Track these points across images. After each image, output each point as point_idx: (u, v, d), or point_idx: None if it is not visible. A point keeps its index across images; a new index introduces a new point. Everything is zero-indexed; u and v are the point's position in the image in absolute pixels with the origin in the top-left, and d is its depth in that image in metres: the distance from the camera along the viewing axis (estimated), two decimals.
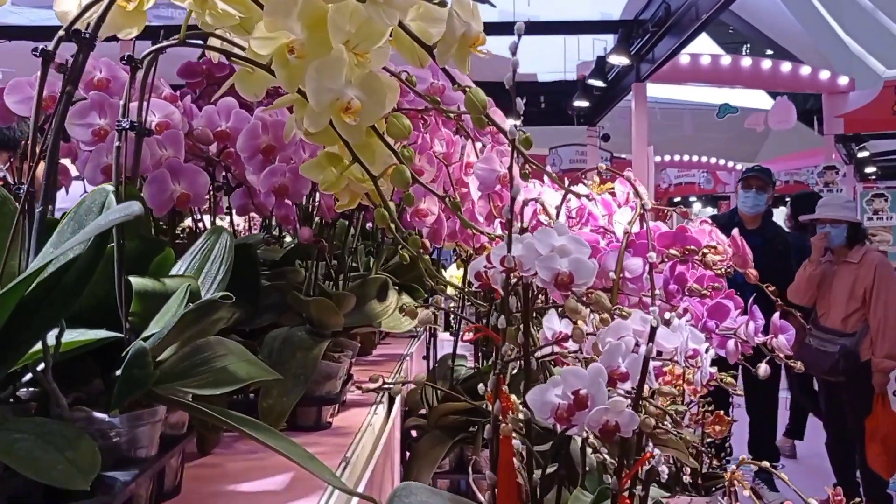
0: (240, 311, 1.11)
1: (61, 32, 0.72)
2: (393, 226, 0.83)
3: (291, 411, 1.03)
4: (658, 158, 13.73)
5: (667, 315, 0.71)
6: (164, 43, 0.75)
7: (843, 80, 7.63)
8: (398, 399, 1.29)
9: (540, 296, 0.83)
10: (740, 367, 1.35)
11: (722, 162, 14.02)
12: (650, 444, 0.88)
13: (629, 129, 5.50)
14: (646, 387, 0.66)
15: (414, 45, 0.72)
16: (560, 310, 0.74)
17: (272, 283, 1.11)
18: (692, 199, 15.74)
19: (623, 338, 0.68)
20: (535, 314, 0.72)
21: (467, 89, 0.69)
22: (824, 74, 7.36)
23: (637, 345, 0.67)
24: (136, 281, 0.70)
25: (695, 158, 13.83)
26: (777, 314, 0.97)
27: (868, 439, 3.70)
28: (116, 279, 0.69)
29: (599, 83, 5.39)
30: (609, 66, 5.26)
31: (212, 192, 1.14)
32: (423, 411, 1.49)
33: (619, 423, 0.60)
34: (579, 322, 0.68)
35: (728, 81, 6.65)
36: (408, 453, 1.43)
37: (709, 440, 2.12)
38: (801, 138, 10.31)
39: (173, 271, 0.84)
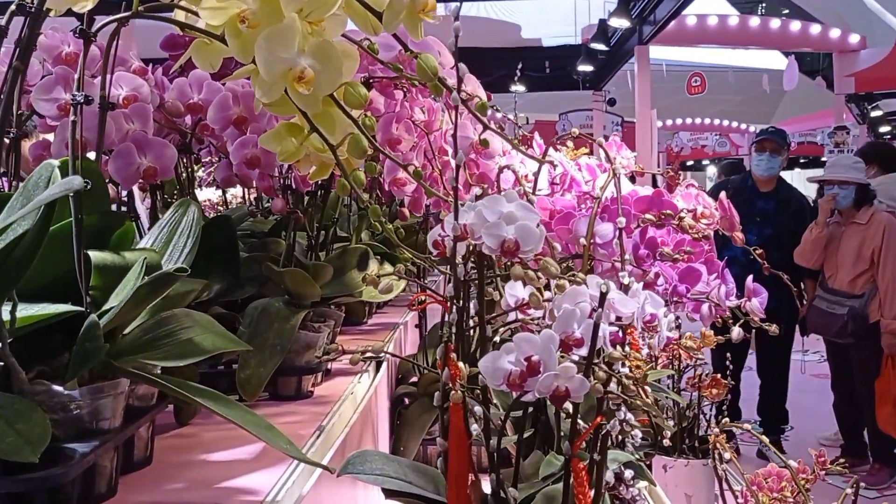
0: (220, 283, 1.11)
1: (13, 7, 0.72)
2: (366, 196, 0.83)
3: (272, 381, 1.04)
4: (670, 121, 13.60)
5: (625, 280, 0.70)
6: (121, 15, 0.75)
7: (854, 38, 7.49)
8: (384, 367, 1.30)
9: (500, 263, 0.83)
10: (753, 329, 1.36)
11: (735, 124, 13.85)
12: (622, 408, 0.88)
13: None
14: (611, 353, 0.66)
15: (367, 13, 0.71)
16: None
17: (253, 255, 1.12)
18: (705, 162, 15.61)
19: (579, 304, 0.68)
20: (491, 281, 0.72)
21: (418, 55, 0.68)
22: (834, 33, 7.21)
23: (594, 310, 0.67)
24: (94, 255, 0.70)
25: (707, 121, 13.68)
26: (750, 278, 0.96)
27: (879, 401, 3.69)
28: (76, 254, 0.69)
29: (602, 47, 5.32)
30: (612, 30, 5.18)
31: (189, 165, 1.14)
32: (414, 379, 1.50)
33: (569, 388, 0.60)
34: (538, 288, 0.68)
35: (737, 42, 6.53)
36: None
37: (709, 402, 2.12)
38: (818, 98, 10.17)
39: (141, 244, 0.85)
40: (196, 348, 0.75)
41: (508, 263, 0.64)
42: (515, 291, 0.75)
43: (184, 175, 1.13)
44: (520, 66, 2.39)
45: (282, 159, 0.75)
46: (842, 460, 1.35)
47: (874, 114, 8.23)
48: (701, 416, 2.00)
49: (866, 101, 7.99)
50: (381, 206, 1.75)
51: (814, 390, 5.11)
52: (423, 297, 0.73)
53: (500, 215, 0.61)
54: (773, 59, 10.79)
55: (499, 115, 1.98)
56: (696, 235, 1.03)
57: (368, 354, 0.73)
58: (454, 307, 0.63)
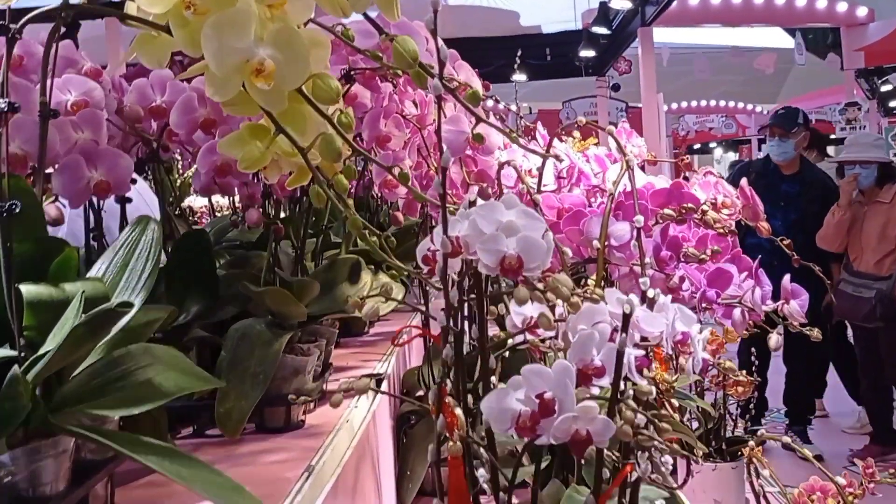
0: (198, 304, 1.01)
1: None
2: (345, 205, 0.72)
3: (258, 411, 0.94)
4: (675, 105, 13.41)
5: (650, 293, 0.60)
6: (47, 7, 0.64)
7: (862, 12, 7.30)
8: (385, 385, 1.19)
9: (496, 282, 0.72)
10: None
11: (741, 105, 13.64)
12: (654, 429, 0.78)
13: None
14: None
15: None
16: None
17: (231, 272, 1.01)
18: (712, 144, 15.40)
19: (597, 324, 0.57)
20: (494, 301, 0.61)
21: (394, 38, 0.57)
22: (841, 6, 7.02)
23: (615, 331, 0.57)
24: (27, 289, 0.60)
25: (713, 103, 13.48)
26: (787, 278, 0.85)
27: None
28: (5, 288, 0.59)
29: (604, 30, 5.17)
30: (613, 12, 5.04)
31: (161, 175, 1.04)
32: (420, 393, 1.40)
33: (591, 431, 0.50)
34: (551, 304, 0.58)
35: (741, 21, 6.35)
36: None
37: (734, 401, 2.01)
38: (824, 75, 9.99)
39: (93, 271, 0.74)
40: (155, 391, 0.65)
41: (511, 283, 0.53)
42: (522, 309, 0.64)
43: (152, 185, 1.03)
44: (519, 53, 2.28)
45: (244, 167, 0.65)
46: (892, 471, 1.24)
47: (884, 88, 8.05)
48: (727, 416, 1.90)
49: (876, 76, 7.82)
50: (374, 208, 1.64)
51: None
52: (409, 330, 0.63)
53: (498, 225, 0.50)
54: (778, 38, 10.61)
55: (500, 105, 1.87)
56: (721, 230, 0.92)
57: (362, 384, 0.62)
58: (448, 340, 0.52)
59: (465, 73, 0.95)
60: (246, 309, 1.02)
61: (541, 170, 1.01)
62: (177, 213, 1.52)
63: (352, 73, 0.93)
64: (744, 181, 1.29)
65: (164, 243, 1.13)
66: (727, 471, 1.78)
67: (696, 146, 15.55)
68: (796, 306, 0.80)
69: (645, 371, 0.76)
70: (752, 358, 2.22)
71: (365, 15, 0.60)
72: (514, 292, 0.50)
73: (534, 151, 0.78)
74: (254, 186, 1.05)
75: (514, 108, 1.95)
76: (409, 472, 1.22)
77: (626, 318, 0.50)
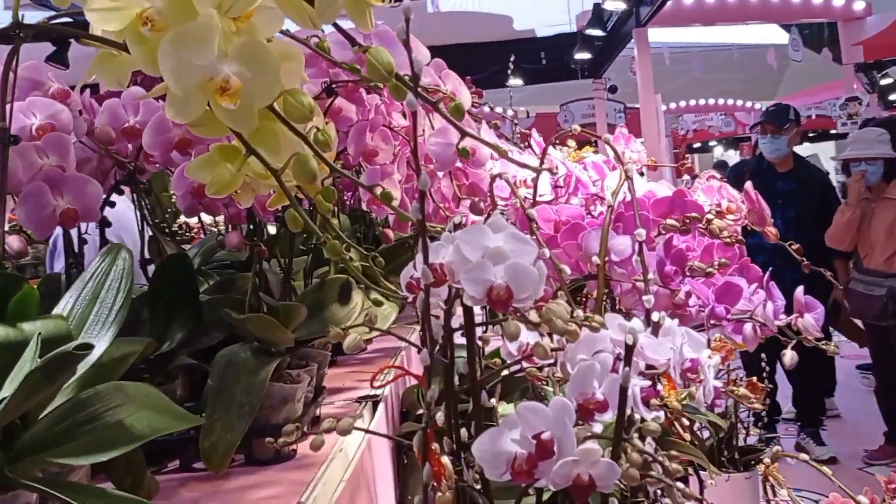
0: (183, 331, 0.97)
1: None
2: (324, 228, 0.68)
3: (247, 442, 0.89)
4: (673, 105, 13.36)
5: (655, 316, 0.55)
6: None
7: (860, 6, 7.25)
8: (382, 407, 1.15)
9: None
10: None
11: (740, 103, 13.59)
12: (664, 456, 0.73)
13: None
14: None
15: (301, 3, 0.56)
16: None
17: (215, 297, 0.97)
18: (712, 143, 15.33)
19: (598, 353, 0.53)
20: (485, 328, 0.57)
21: (367, 50, 0.53)
22: (838, 1, 6.98)
23: (618, 359, 0.52)
24: None
25: (711, 101, 13.42)
26: (800, 290, 0.80)
27: None
28: None
29: (598, 32, 5.13)
30: (607, 14, 5.00)
31: (139, 195, 1.00)
32: (421, 412, 1.35)
33: (593, 476, 0.45)
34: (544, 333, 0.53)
35: (737, 18, 6.31)
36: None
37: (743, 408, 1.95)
38: (823, 70, 9.94)
39: (62, 303, 0.70)
40: (126, 434, 0.60)
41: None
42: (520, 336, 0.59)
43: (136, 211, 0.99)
44: (512, 58, 2.23)
45: (213, 192, 0.60)
46: None
47: (884, 82, 8.00)
48: (739, 425, 1.84)
49: (875, 70, 7.77)
50: (369, 221, 1.60)
51: (853, 375, 4.93)
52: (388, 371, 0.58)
53: (484, 252, 0.45)
54: (775, 34, 10.57)
55: (497, 109, 1.83)
56: (728, 240, 0.87)
57: (345, 424, 0.57)
58: (433, 380, 0.48)
59: (453, 83, 0.90)
60: (233, 334, 0.98)
61: (535, 181, 0.97)
62: (173, 230, 1.48)
63: (333, 86, 0.88)
64: (748, 185, 1.25)
65: (150, 265, 1.09)
66: (741, 481, 1.72)
67: (696, 145, 15.52)
68: (811, 320, 0.76)
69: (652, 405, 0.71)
70: (762, 363, 2.17)
71: (336, 25, 0.56)
72: (504, 326, 0.45)
73: (524, 165, 0.74)
74: (238, 206, 1.00)
75: (510, 113, 1.91)
76: (412, 497, 1.17)
77: (629, 349, 0.46)
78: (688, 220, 0.85)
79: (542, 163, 0.96)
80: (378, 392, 1.25)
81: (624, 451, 0.46)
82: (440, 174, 0.96)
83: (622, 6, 4.52)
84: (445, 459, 0.46)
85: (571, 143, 0.95)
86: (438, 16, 5.81)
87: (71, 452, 0.57)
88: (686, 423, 0.86)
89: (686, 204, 0.86)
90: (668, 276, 0.73)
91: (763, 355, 2.16)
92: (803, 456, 1.06)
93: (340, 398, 1.22)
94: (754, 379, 1.81)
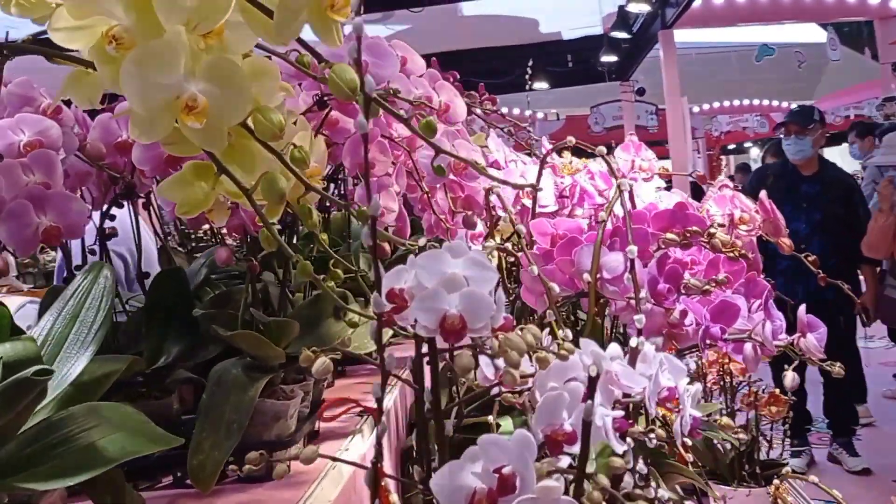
0: (180, 345, 0.97)
1: None
2: (324, 247, 0.67)
3: (239, 459, 0.88)
4: (707, 105, 13.16)
5: (633, 341, 0.53)
6: None
7: None
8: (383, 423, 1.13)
9: None
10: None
11: (776, 103, 13.35)
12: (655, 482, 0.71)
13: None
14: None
15: (269, 20, 0.54)
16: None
17: (211, 312, 0.96)
18: (747, 144, 15.09)
19: (569, 382, 0.50)
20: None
21: (332, 65, 0.51)
22: None
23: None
24: None
25: (745, 102, 13.20)
26: (803, 308, 0.77)
27: None
28: None
29: (624, 35, 5.06)
30: (633, 16, 4.93)
31: (135, 210, 1.00)
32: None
33: None
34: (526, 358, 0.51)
35: (769, 18, 6.18)
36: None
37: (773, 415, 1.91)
38: (862, 69, 9.73)
39: (42, 322, 0.70)
40: (97, 457, 0.60)
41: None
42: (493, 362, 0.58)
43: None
44: (530, 63, 2.19)
45: (183, 212, 0.59)
46: None
47: None
48: (760, 438, 1.80)
49: None
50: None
51: (890, 383, 4.80)
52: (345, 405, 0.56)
53: (441, 277, 0.44)
54: (812, 33, 10.37)
55: (527, 113, 1.80)
56: (731, 255, 0.84)
57: (308, 452, 0.56)
58: (381, 419, 0.46)
59: (447, 94, 0.89)
60: (231, 347, 0.97)
61: (533, 193, 0.95)
62: (199, 237, 1.48)
63: (325, 98, 0.87)
64: (763, 194, 1.22)
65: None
66: (762, 496, 1.69)
67: (731, 146, 15.29)
68: (814, 340, 0.72)
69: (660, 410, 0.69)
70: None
71: (300, 40, 0.54)
72: (456, 359, 0.43)
73: (505, 182, 0.71)
74: (240, 218, 1.00)
75: (540, 115, 1.88)
76: None
77: (592, 381, 0.44)
78: (689, 234, 0.82)
79: (540, 173, 0.94)
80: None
81: (583, 492, 0.44)
82: (437, 186, 0.94)
83: (646, 8, 4.45)
84: (394, 497, 0.44)
85: (567, 154, 0.92)
86: (466, 20, 5.78)
87: (39, 477, 0.57)
88: (689, 441, 0.83)
89: (687, 217, 0.84)
90: (661, 295, 0.71)
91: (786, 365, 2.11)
92: (812, 478, 1.03)
93: (343, 412, 1.21)
94: (777, 391, 1.76)
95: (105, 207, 0.97)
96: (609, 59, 5.52)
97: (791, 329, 0.84)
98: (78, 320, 0.68)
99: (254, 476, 0.90)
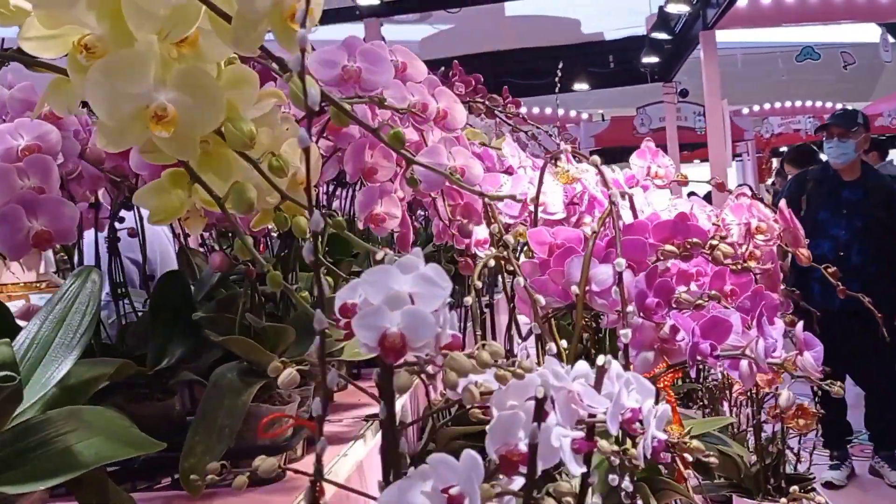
0: (182, 347, 0.97)
1: None
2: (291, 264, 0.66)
3: (233, 463, 0.89)
4: (757, 107, 12.90)
5: (600, 359, 0.51)
6: None
7: None
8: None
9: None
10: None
11: (829, 105, 13.01)
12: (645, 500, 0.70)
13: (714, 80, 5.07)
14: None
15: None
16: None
17: (213, 315, 0.97)
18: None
19: (529, 401, 0.49)
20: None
21: (291, 75, 0.51)
22: None
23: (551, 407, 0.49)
24: None
25: (797, 104, 12.89)
26: (801, 325, 0.74)
27: None
28: None
29: (664, 36, 4.97)
30: (674, 17, 4.85)
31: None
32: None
33: None
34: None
35: (819, 19, 6.01)
36: None
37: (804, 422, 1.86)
38: None
39: (29, 326, 0.71)
40: (72, 461, 0.60)
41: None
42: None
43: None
44: (560, 66, 2.15)
45: (155, 220, 0.60)
46: None
47: None
48: (787, 451, 1.75)
49: None
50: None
51: None
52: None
53: (388, 294, 0.43)
54: (868, 32, 10.09)
55: (571, 113, 1.79)
56: (734, 267, 0.82)
57: (268, 465, 0.55)
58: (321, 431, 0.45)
59: (446, 101, 0.88)
60: (231, 352, 0.98)
61: (535, 200, 0.93)
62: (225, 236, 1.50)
63: (322, 105, 0.87)
64: (782, 203, 1.18)
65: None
66: None
67: (782, 148, 14.89)
68: (810, 359, 0.70)
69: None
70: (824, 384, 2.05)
71: (263, 48, 0.53)
72: (395, 379, 0.43)
73: (480, 194, 0.70)
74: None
75: (584, 115, 1.86)
76: None
77: (539, 404, 0.42)
78: (689, 246, 0.80)
79: (541, 179, 0.93)
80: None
81: None
82: (434, 194, 0.93)
83: (685, 9, 4.37)
84: None
85: (563, 163, 0.90)
86: (509, 20, 5.77)
87: (13, 479, 0.58)
88: (689, 459, 0.81)
89: (689, 229, 0.81)
90: (650, 309, 0.69)
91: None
92: (819, 499, 0.99)
93: (350, 415, 1.21)
94: (805, 403, 1.72)
95: (111, 210, 0.99)
96: (650, 59, 5.43)
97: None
98: (64, 324, 0.69)
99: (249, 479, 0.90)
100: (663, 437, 0.49)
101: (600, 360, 0.52)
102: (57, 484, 0.61)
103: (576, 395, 0.50)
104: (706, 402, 1.96)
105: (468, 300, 0.76)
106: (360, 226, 0.96)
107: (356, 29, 4.69)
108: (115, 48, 0.54)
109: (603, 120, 11.66)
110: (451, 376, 0.41)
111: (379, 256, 0.49)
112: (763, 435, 1.73)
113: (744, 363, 0.72)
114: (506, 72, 5.49)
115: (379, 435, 1.13)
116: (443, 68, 1.64)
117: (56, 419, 0.63)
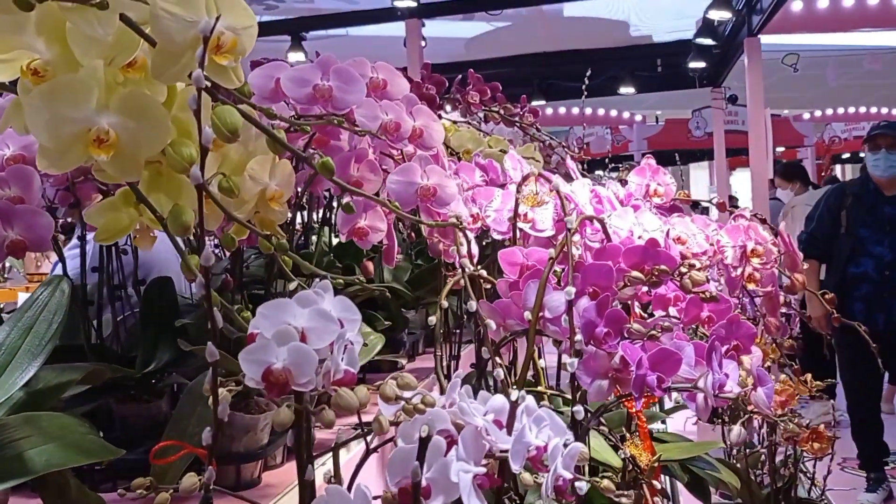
0: (169, 353, 1.00)
1: None
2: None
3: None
4: (819, 112, 12.53)
5: (513, 394, 0.51)
6: None
7: None
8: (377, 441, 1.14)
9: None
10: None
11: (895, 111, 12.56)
12: None
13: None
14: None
15: None
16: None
17: (188, 323, 0.99)
18: (862, 154, 14.25)
19: (439, 433, 0.50)
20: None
21: (221, 105, 0.52)
22: None
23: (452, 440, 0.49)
24: None
25: (862, 110, 12.48)
26: (757, 362, 0.73)
27: None
28: None
29: (709, 41, 4.86)
30: (720, 22, 4.73)
31: None
32: None
33: None
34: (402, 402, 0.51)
35: (879, 24, 5.78)
36: None
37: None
38: None
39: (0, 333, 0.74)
40: (21, 468, 0.63)
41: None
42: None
43: None
44: (588, 73, 2.10)
45: (102, 238, 0.62)
46: None
47: None
48: (801, 476, 1.70)
49: None
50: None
51: None
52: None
53: (275, 330, 0.44)
54: None
55: (625, 115, 1.79)
56: (703, 296, 0.81)
57: (187, 484, 0.57)
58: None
59: (424, 119, 0.88)
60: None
61: (513, 221, 0.93)
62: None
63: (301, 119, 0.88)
64: (782, 226, 1.16)
65: None
66: None
67: (846, 155, 14.49)
68: (762, 395, 0.68)
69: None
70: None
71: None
72: (274, 415, 0.43)
73: (418, 221, 0.70)
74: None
75: (638, 117, 1.86)
76: None
77: (423, 443, 0.43)
78: (657, 273, 0.79)
79: (518, 192, 0.92)
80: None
81: None
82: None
83: (727, 15, 4.27)
84: None
85: (533, 185, 0.90)
86: (559, 21, 5.73)
87: None
88: (657, 487, 0.80)
89: (658, 255, 0.80)
90: (599, 339, 0.68)
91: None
92: None
93: (345, 422, 1.22)
94: (821, 426, 1.67)
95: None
96: (697, 64, 5.32)
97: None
98: (31, 331, 0.72)
99: (222, 484, 0.92)
100: (569, 476, 0.48)
101: (514, 395, 0.52)
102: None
103: (483, 430, 0.50)
104: (727, 419, 1.92)
105: (432, 320, 0.76)
106: (343, 239, 0.97)
107: (398, 27, 4.72)
108: (63, 72, 0.56)
109: (657, 122, 11.47)
110: (326, 416, 0.42)
111: (292, 286, 0.50)
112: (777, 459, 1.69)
113: (699, 396, 0.71)
114: (553, 73, 5.47)
115: (362, 444, 1.14)
116: (459, 76, 1.65)
117: (12, 425, 0.65)
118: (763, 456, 1.73)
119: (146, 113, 0.57)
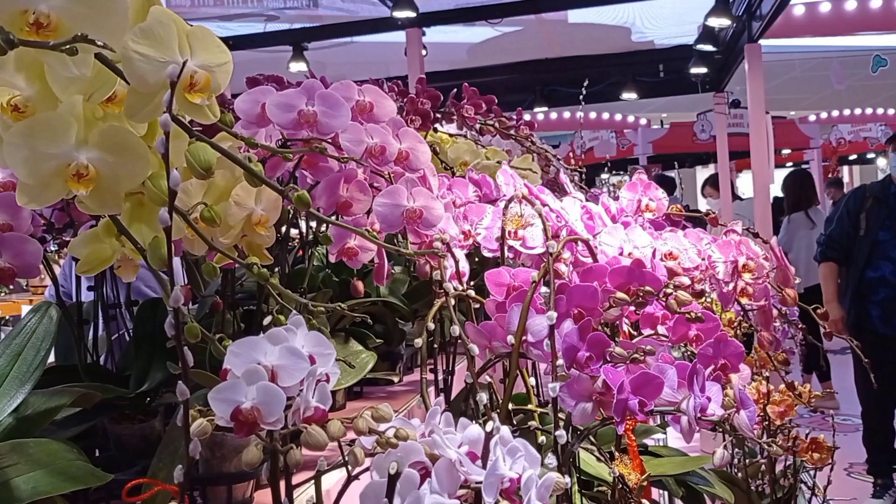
0: (162, 373, 1.01)
1: None
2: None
3: (201, 489, 0.92)
4: (825, 114, 12.50)
5: (489, 426, 0.52)
6: None
7: None
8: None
9: None
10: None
11: None
12: None
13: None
14: None
15: None
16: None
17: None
18: (870, 155, 14.24)
19: (411, 465, 0.50)
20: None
21: (196, 141, 0.53)
22: None
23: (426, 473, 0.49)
24: None
25: (868, 111, 12.42)
26: (739, 379, 0.73)
27: None
28: None
29: (710, 48, 4.85)
30: (719, 28, 4.73)
31: None
32: None
33: None
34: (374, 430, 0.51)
35: (881, 27, 5.77)
36: None
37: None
38: None
39: None
40: (9, 495, 0.63)
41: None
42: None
43: None
44: (585, 83, 2.10)
45: (83, 270, 0.62)
46: None
47: None
48: (802, 486, 1.70)
49: None
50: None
51: None
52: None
53: (244, 369, 0.44)
54: None
55: (630, 119, 1.79)
56: (689, 316, 0.81)
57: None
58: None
59: (410, 141, 0.88)
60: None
61: (501, 241, 0.93)
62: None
63: (288, 143, 0.89)
64: (773, 240, 1.16)
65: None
66: None
67: (852, 157, 14.45)
68: (745, 418, 0.68)
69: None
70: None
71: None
72: (244, 454, 0.44)
73: (396, 249, 0.71)
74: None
75: (643, 120, 1.86)
76: None
77: (392, 481, 0.43)
78: (641, 295, 0.79)
79: (506, 210, 0.93)
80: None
81: None
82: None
83: (726, 22, 4.27)
84: None
85: (517, 207, 0.90)
86: (562, 26, 5.73)
87: None
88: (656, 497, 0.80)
89: (644, 276, 0.81)
90: (581, 363, 0.68)
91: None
92: None
93: (333, 444, 1.23)
94: (821, 437, 1.67)
95: None
96: (698, 70, 5.32)
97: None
98: (20, 358, 0.73)
99: None
100: None
101: (488, 426, 0.52)
102: None
103: (458, 461, 0.50)
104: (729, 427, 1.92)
105: (418, 342, 0.77)
106: (333, 259, 0.98)
107: (400, 33, 4.72)
108: (43, 108, 0.57)
109: (662, 126, 11.47)
110: (295, 455, 0.42)
111: (267, 321, 0.51)
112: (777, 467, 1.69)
113: (683, 419, 0.71)
114: (556, 79, 5.47)
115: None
116: (455, 90, 1.65)
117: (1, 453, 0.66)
118: (763, 466, 1.73)
119: (125, 147, 0.58)
